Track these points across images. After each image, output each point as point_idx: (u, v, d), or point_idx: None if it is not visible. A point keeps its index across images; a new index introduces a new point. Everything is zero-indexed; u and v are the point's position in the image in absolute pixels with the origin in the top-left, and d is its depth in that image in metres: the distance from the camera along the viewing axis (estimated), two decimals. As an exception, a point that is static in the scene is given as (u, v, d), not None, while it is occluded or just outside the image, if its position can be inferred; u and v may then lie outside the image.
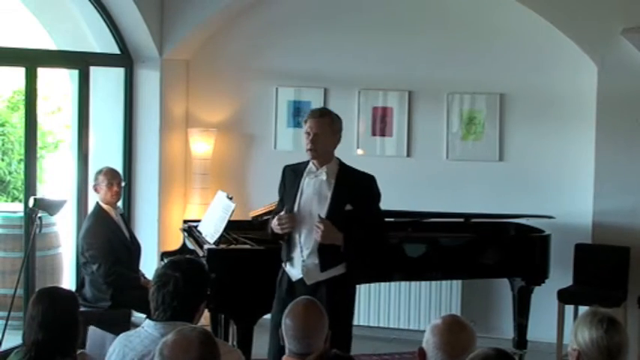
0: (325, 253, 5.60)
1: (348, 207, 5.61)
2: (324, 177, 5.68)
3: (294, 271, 5.75)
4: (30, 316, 4.22)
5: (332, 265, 5.64)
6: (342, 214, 5.58)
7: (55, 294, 4.37)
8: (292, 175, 5.84)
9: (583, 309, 7.76)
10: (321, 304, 4.93)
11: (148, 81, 9.08)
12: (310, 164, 5.75)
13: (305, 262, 5.66)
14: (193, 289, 4.02)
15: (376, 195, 5.77)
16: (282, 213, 5.69)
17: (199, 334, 3.45)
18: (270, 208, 6.88)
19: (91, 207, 7.75)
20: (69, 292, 4.57)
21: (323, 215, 5.55)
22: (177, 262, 4.12)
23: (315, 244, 5.60)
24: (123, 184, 7.68)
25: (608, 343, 3.65)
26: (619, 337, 3.67)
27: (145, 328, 4.01)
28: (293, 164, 5.95)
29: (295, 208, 5.70)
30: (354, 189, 5.68)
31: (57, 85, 11.78)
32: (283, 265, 5.84)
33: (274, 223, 5.71)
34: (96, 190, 7.48)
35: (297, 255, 5.71)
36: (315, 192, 5.68)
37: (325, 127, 5.65)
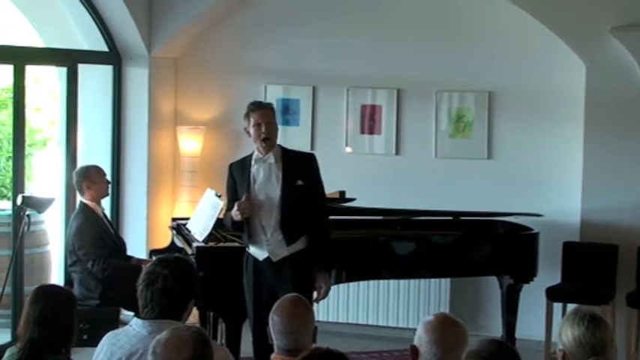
0: (288, 228, 6.00)
1: (299, 182, 6.03)
2: (272, 160, 6.05)
3: (259, 251, 6.07)
4: (27, 313, 4.21)
5: (296, 239, 6.01)
6: (295, 190, 6.00)
7: (54, 292, 4.37)
8: (240, 169, 6.18)
9: (571, 307, 7.79)
10: (287, 280, 5.77)
11: (137, 79, 9.07)
12: (256, 153, 6.10)
13: (269, 240, 6.02)
14: (182, 287, 4.01)
15: (318, 169, 6.18)
16: (240, 200, 6.01)
17: (194, 334, 3.45)
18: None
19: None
20: (68, 290, 4.56)
21: (278, 194, 5.96)
22: (165, 259, 4.12)
23: (276, 222, 5.99)
24: None
25: (590, 339, 3.68)
26: (601, 332, 3.70)
27: (133, 327, 4.01)
28: (237, 160, 6.28)
29: (251, 195, 6.03)
30: (301, 166, 6.12)
31: (40, 83, 11.74)
32: (247, 249, 6.14)
33: (234, 212, 6.01)
34: (87, 187, 7.35)
35: (260, 236, 6.04)
36: (266, 175, 6.06)
37: (271, 117, 6.06)
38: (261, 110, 6.02)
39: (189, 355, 3.37)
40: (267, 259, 6.04)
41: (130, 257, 7.59)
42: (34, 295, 4.29)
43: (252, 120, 6.01)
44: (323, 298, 6.11)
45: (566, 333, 3.73)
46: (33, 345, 4.16)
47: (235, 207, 5.99)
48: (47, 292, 4.35)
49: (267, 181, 6.04)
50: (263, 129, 5.97)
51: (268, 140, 6.00)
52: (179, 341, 3.40)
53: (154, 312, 3.97)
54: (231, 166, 6.27)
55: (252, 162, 6.09)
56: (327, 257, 6.15)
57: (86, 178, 7.36)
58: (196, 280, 4.13)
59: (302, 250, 6.05)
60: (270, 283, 6.02)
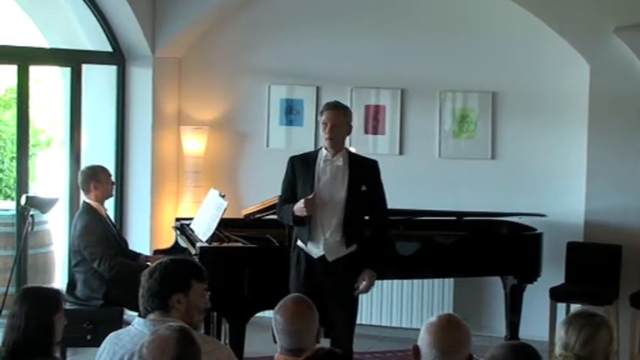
0: (349, 230, 6.15)
1: (364, 188, 6.18)
2: (340, 163, 6.19)
3: (315, 249, 6.18)
4: (11, 315, 4.22)
5: (354, 241, 6.16)
6: (359, 194, 6.15)
7: (38, 293, 4.37)
8: (303, 165, 6.28)
9: (575, 307, 7.79)
10: (339, 278, 5.99)
11: (141, 79, 9.07)
12: (324, 153, 6.22)
13: (327, 239, 6.14)
14: (158, 284, 4.01)
15: (380, 176, 6.32)
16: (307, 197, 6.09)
17: (175, 333, 3.44)
18: (263, 206, 6.90)
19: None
20: (54, 291, 4.55)
21: (343, 196, 6.12)
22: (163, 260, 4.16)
23: (338, 223, 6.13)
24: None
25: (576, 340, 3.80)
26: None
27: (135, 326, 4.02)
28: (299, 155, 6.42)
29: (316, 192, 6.13)
30: (366, 172, 6.25)
31: (41, 84, 11.75)
32: (302, 245, 6.22)
33: (298, 207, 6.09)
34: (95, 188, 7.32)
35: (318, 234, 6.16)
36: (332, 176, 6.18)
37: (340, 119, 6.18)
38: (330, 111, 6.19)
39: (173, 354, 3.37)
40: (322, 257, 6.15)
41: (139, 254, 7.58)
42: (17, 297, 4.29)
43: (322, 118, 6.20)
44: (363, 292, 6.20)
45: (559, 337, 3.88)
46: (15, 347, 4.17)
47: (301, 203, 6.07)
48: (31, 293, 4.35)
49: (333, 181, 6.17)
50: (328, 129, 6.14)
51: (331, 140, 6.15)
52: (162, 342, 3.41)
53: (145, 309, 4.02)
54: (292, 159, 6.36)
55: (319, 160, 6.21)
56: (381, 260, 6.27)
57: (93, 178, 7.31)
58: (186, 274, 4.10)
59: (354, 252, 6.18)
60: (321, 281, 6.12)
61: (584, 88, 8.25)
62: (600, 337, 3.86)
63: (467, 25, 8.78)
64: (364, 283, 6.13)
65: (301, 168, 6.27)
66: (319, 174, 6.18)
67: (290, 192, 6.29)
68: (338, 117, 6.16)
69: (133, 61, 9.09)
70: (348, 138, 8.75)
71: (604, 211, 8.21)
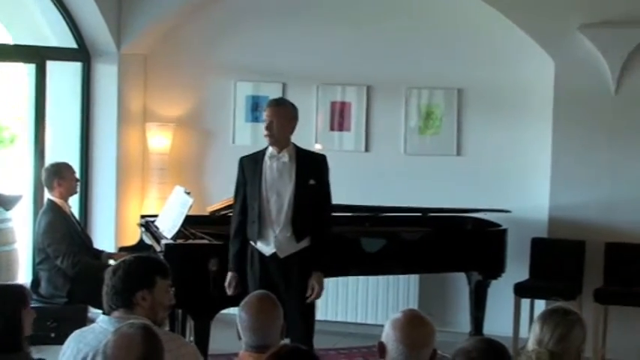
0: (298, 226, 6.16)
1: (312, 182, 6.19)
2: (286, 159, 6.21)
3: (266, 247, 6.19)
4: None
5: (304, 236, 6.17)
6: (307, 189, 6.17)
7: (2, 290, 4.34)
8: (251, 164, 6.30)
9: (539, 302, 7.85)
10: (293, 275, 6.00)
11: (106, 75, 9.04)
12: (270, 150, 6.24)
13: (277, 236, 6.15)
14: (121, 281, 4.00)
15: (328, 170, 6.35)
16: (231, 281, 6.25)
17: (139, 330, 3.44)
18: (229, 203, 6.89)
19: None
20: (18, 287, 4.53)
21: (290, 192, 6.14)
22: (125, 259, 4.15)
23: (287, 219, 6.13)
24: None
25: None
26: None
27: (100, 324, 4.00)
28: (249, 154, 6.42)
29: (263, 190, 6.18)
30: (313, 166, 6.27)
31: (6, 80, 11.66)
32: (253, 244, 6.22)
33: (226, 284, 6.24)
34: (58, 185, 7.29)
35: (268, 231, 6.18)
36: (279, 173, 6.20)
37: (280, 114, 6.21)
38: (268, 107, 6.27)
39: (140, 353, 3.37)
40: (274, 254, 6.17)
41: (101, 252, 7.56)
42: None
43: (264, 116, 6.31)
44: (316, 298, 6.20)
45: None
46: None
47: (227, 284, 6.21)
48: None
49: (279, 178, 6.19)
50: (265, 124, 6.20)
51: (269, 137, 6.19)
52: (126, 340, 3.40)
53: (109, 307, 4.00)
54: (241, 160, 6.40)
55: (266, 158, 6.24)
56: (324, 258, 6.23)
57: (57, 175, 7.29)
58: (150, 271, 4.09)
59: (307, 247, 6.20)
60: (275, 279, 6.12)
61: (549, 84, 8.30)
62: (574, 335, 3.90)
63: (433, 22, 8.80)
64: (315, 288, 6.12)
65: (250, 167, 6.30)
66: (266, 171, 6.21)
67: (241, 194, 6.32)
68: (275, 113, 6.19)
69: (98, 57, 9.05)
70: (314, 134, 8.88)
71: (568, 207, 8.26)
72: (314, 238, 6.20)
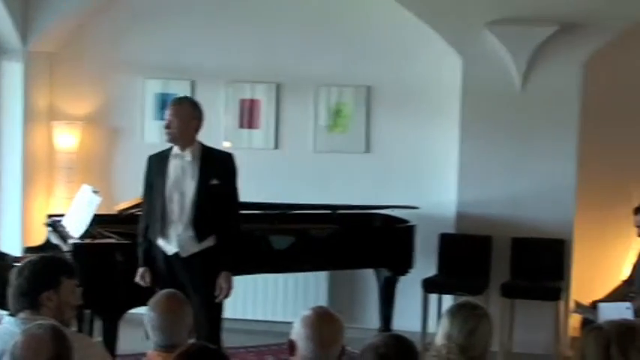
0: (200, 226, 6.10)
1: (214, 181, 6.13)
2: (189, 158, 6.15)
3: (168, 246, 6.15)
4: None
5: (207, 236, 6.11)
6: (209, 189, 6.10)
7: None
8: (158, 162, 6.26)
9: (447, 298, 7.94)
10: (197, 275, 5.96)
11: (11, 73, 8.92)
12: (174, 149, 6.19)
13: (180, 236, 6.10)
14: (32, 278, 3.96)
15: (235, 170, 6.27)
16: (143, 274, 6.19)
17: (48, 330, 3.41)
18: (138, 201, 6.84)
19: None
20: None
21: (192, 191, 6.07)
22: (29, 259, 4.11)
23: (188, 219, 6.08)
24: None
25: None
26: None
27: (5, 325, 3.96)
28: (156, 153, 6.36)
29: (166, 189, 6.12)
30: (217, 165, 6.22)
31: None
32: (155, 241, 6.17)
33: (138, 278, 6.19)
34: None
35: (171, 230, 6.12)
36: (182, 172, 6.14)
37: (181, 113, 6.16)
38: (170, 107, 6.23)
39: (51, 354, 3.34)
40: (176, 254, 6.12)
41: (5, 255, 7.43)
42: None
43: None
44: (225, 297, 6.17)
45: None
46: None
47: (139, 276, 6.16)
48: None
49: (182, 177, 6.14)
50: (165, 123, 6.18)
51: (167, 135, 6.16)
52: (36, 341, 3.37)
53: (15, 307, 3.97)
54: (149, 158, 6.35)
55: (171, 156, 6.20)
56: (232, 257, 6.19)
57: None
58: (45, 271, 4.06)
59: (212, 247, 6.15)
60: (180, 278, 6.08)
61: (456, 81, 8.39)
62: (483, 329, 3.96)
63: (342, 19, 8.85)
64: (224, 287, 6.11)
65: (156, 166, 6.26)
66: (170, 170, 6.16)
67: (149, 192, 6.28)
68: (175, 112, 6.15)
69: (3, 54, 8.92)
70: (222, 131, 8.85)
71: (475, 203, 8.38)
72: (220, 237, 6.15)
